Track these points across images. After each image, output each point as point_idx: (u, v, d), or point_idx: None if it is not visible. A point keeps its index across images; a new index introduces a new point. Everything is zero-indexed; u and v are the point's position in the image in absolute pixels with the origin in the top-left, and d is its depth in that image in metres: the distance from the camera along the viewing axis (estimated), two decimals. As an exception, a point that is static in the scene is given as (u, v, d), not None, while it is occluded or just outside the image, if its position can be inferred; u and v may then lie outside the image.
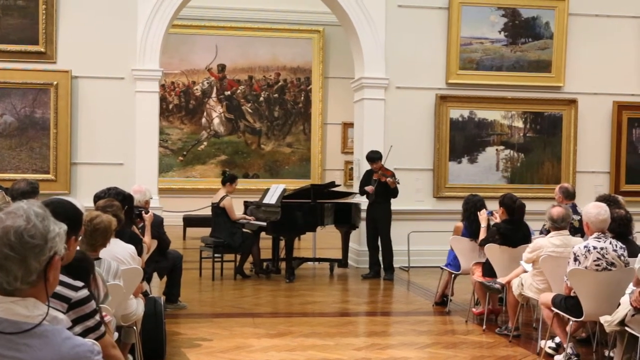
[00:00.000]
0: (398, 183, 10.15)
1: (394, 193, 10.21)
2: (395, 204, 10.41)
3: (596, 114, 11.98)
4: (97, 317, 3.11)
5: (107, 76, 10.68)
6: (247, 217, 10.41)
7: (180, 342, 6.49)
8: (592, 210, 5.78)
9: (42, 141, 10.59)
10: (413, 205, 11.25)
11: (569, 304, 5.79)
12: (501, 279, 6.97)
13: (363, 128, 11.42)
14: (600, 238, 5.72)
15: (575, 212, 7.73)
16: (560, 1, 11.72)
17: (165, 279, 8.09)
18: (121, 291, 4.55)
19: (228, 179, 10.20)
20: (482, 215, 7.67)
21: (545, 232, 7.13)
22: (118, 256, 4.98)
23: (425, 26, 11.46)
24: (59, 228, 2.05)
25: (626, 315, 5.14)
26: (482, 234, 7.54)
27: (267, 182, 15.09)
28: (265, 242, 10.70)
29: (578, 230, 7.26)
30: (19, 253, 1.95)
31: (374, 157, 10.25)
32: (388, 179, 10.06)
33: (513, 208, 7.30)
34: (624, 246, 5.80)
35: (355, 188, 11.46)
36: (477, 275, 7.41)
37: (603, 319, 5.40)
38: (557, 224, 6.30)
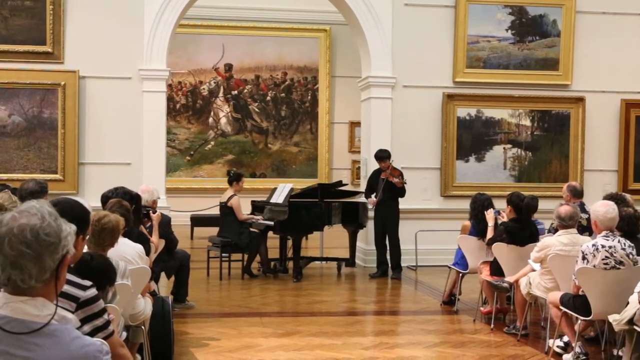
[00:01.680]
0: (405, 183, 10.13)
1: (402, 193, 10.20)
2: (403, 203, 10.39)
3: (604, 112, 11.94)
4: (106, 316, 3.12)
5: (114, 76, 10.70)
6: (254, 217, 10.42)
7: (188, 342, 6.50)
8: (601, 208, 5.76)
9: (50, 141, 10.62)
10: (420, 204, 11.23)
11: (577, 302, 5.77)
12: (509, 278, 6.95)
13: (370, 127, 11.40)
14: (608, 236, 5.70)
15: (583, 210, 7.71)
16: (568, -1, 11.69)
17: (173, 278, 8.10)
18: (129, 291, 4.55)
19: (234, 178, 10.22)
20: (490, 214, 7.66)
21: (553, 230, 7.11)
22: (126, 256, 4.99)
23: (432, 25, 11.44)
24: (70, 228, 2.07)
25: (635, 314, 5.13)
26: (490, 233, 7.52)
27: (274, 181, 15.09)
28: (273, 241, 10.70)
29: (586, 228, 7.24)
30: (35, 251, 1.96)
31: (382, 155, 10.23)
32: (395, 179, 10.04)
33: (521, 206, 7.28)
34: (632, 244, 5.78)
35: (363, 187, 11.45)
36: (485, 274, 7.39)
37: (612, 318, 5.38)
38: (565, 223, 6.28)
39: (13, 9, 10.52)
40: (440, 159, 11.53)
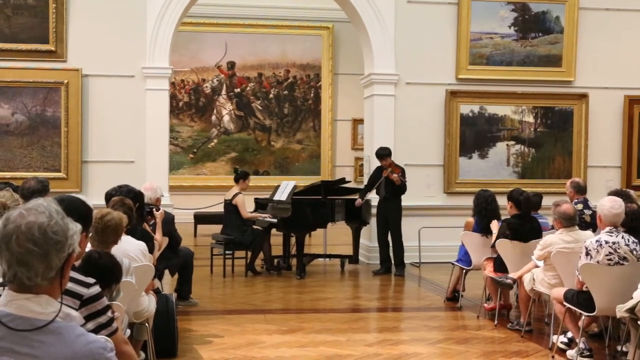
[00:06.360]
0: (404, 180, 10.11)
1: (402, 190, 10.19)
2: (406, 200, 10.39)
3: (607, 108, 11.92)
4: (109, 314, 3.13)
5: (117, 74, 10.70)
6: (258, 214, 10.42)
7: (192, 339, 6.51)
8: (607, 203, 5.74)
9: (53, 140, 10.63)
10: (424, 201, 11.23)
11: (581, 298, 5.77)
12: (513, 274, 6.95)
13: (373, 124, 11.40)
14: (612, 232, 5.69)
15: (587, 206, 7.70)
16: (571, -5, 11.67)
17: (176, 276, 8.11)
18: (133, 288, 4.56)
19: (241, 176, 10.24)
20: (495, 224, 7.62)
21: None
22: (129, 253, 4.99)
23: (435, 22, 11.43)
24: (76, 227, 2.07)
25: (637, 304, 5.11)
26: (494, 239, 7.47)
27: (278, 179, 15.09)
28: (276, 238, 10.71)
29: (590, 225, 7.23)
30: (42, 248, 1.96)
31: (382, 153, 10.24)
32: (394, 176, 10.04)
33: (521, 201, 7.27)
34: (636, 240, 5.77)
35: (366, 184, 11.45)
36: (489, 270, 7.39)
37: (617, 307, 5.35)
38: (568, 222, 6.26)
39: (16, 7, 10.52)
40: (444, 155, 11.52)
